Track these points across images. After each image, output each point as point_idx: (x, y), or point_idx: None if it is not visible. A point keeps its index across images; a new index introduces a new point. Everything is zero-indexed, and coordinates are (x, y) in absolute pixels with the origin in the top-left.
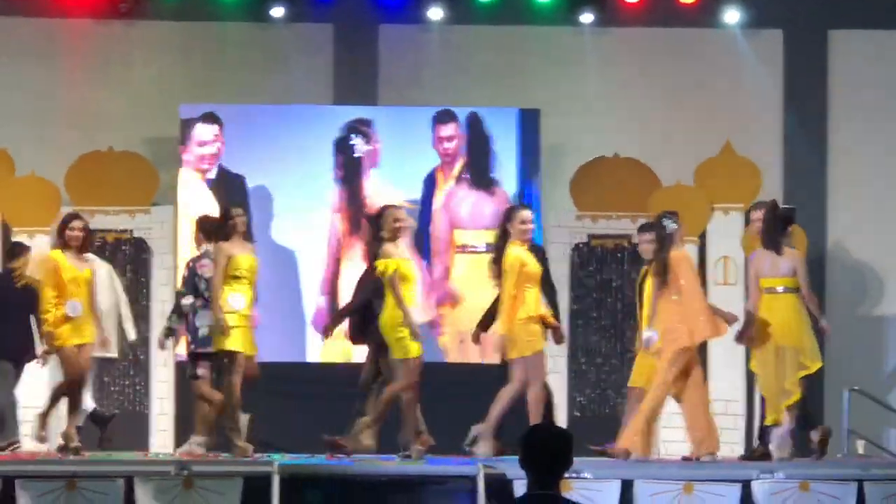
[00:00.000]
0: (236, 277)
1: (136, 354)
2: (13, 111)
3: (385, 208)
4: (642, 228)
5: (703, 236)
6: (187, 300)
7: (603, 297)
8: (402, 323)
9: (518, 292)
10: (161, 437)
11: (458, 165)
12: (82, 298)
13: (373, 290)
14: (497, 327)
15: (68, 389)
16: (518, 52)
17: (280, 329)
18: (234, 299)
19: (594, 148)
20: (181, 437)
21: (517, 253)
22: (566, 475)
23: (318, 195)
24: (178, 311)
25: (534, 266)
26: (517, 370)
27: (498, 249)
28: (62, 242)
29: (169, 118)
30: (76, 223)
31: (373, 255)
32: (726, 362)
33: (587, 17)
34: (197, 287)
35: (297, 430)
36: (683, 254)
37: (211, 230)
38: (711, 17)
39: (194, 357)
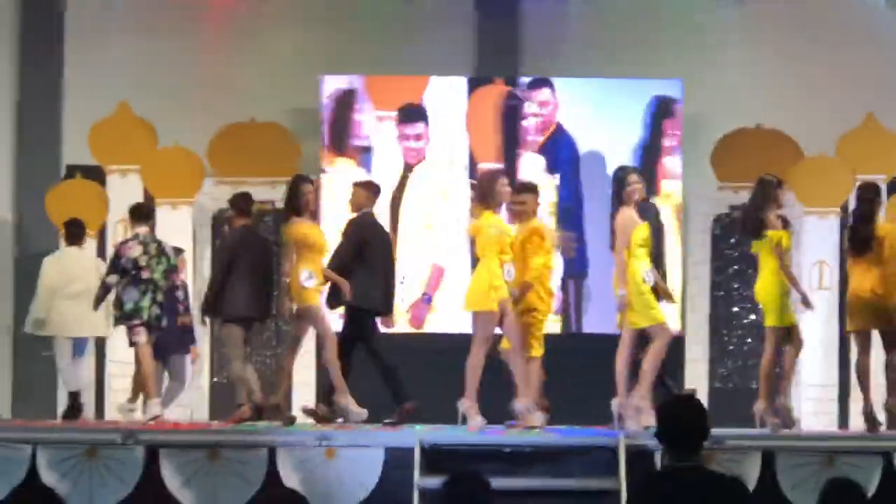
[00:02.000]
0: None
1: (279, 324)
2: (156, 84)
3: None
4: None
5: (845, 207)
6: (111, 279)
7: (744, 269)
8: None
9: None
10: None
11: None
12: (318, 262)
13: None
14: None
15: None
16: (658, 23)
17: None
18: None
19: (735, 118)
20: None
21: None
22: (707, 446)
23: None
24: (103, 288)
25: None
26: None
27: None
28: (295, 207)
29: (309, 89)
30: (307, 187)
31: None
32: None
33: None
34: (123, 267)
35: (436, 400)
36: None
37: (141, 216)
38: None
39: (129, 329)
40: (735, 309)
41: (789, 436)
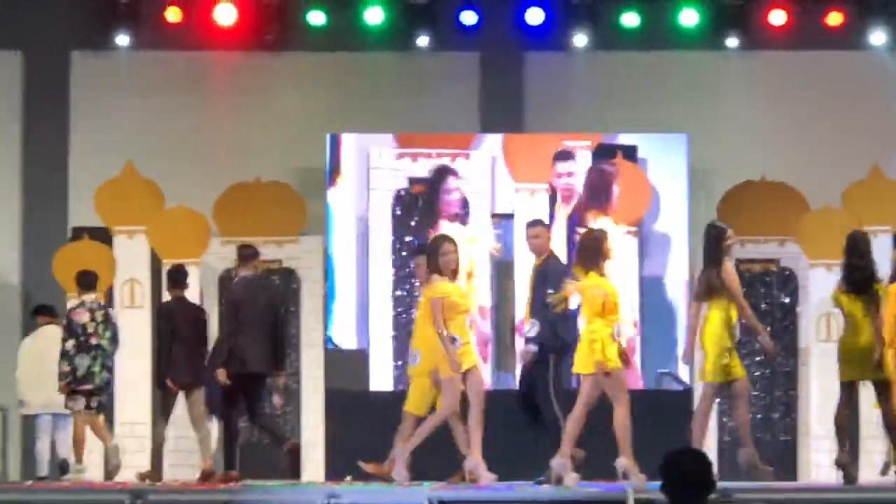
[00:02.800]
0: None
1: (288, 384)
2: (161, 143)
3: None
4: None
5: None
6: (69, 345)
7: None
8: None
9: None
10: (312, 467)
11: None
12: (462, 323)
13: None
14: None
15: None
16: (663, 77)
17: None
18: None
19: (741, 171)
20: (332, 465)
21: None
22: (715, 499)
23: None
24: (62, 354)
25: None
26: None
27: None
28: (438, 267)
29: (316, 148)
30: (449, 246)
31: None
32: None
33: (732, 41)
34: (75, 332)
35: (448, 457)
36: None
37: (87, 284)
38: (857, 38)
39: (73, 393)
40: (744, 362)
41: (798, 488)
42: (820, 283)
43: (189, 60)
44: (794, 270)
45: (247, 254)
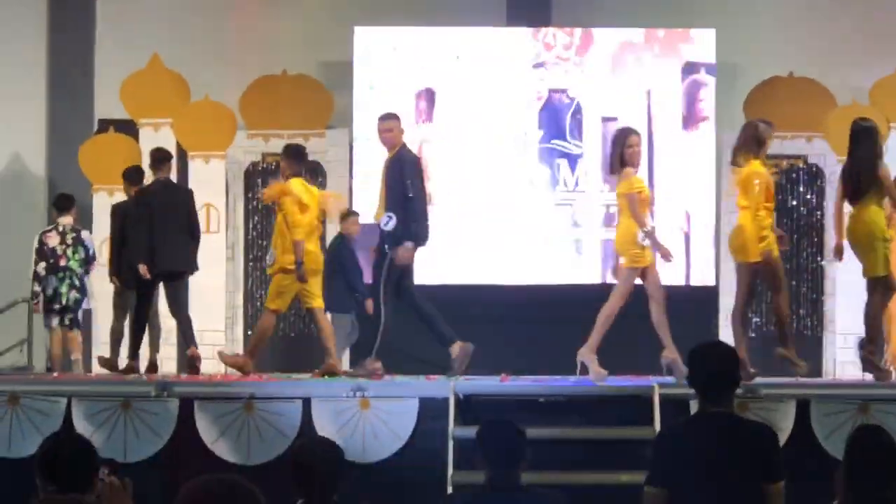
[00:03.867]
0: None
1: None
2: (187, 35)
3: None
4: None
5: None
6: (39, 266)
7: (778, 217)
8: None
9: None
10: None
11: None
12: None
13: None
14: None
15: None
16: None
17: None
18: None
19: (769, 67)
20: (356, 360)
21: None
22: (741, 395)
23: None
24: (34, 275)
25: None
26: None
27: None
28: (624, 160)
29: (343, 41)
30: (634, 138)
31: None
32: None
33: None
34: (45, 254)
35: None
36: None
37: (62, 207)
38: None
39: (47, 312)
40: None
41: (823, 384)
42: None
43: None
44: (820, 166)
45: (161, 157)
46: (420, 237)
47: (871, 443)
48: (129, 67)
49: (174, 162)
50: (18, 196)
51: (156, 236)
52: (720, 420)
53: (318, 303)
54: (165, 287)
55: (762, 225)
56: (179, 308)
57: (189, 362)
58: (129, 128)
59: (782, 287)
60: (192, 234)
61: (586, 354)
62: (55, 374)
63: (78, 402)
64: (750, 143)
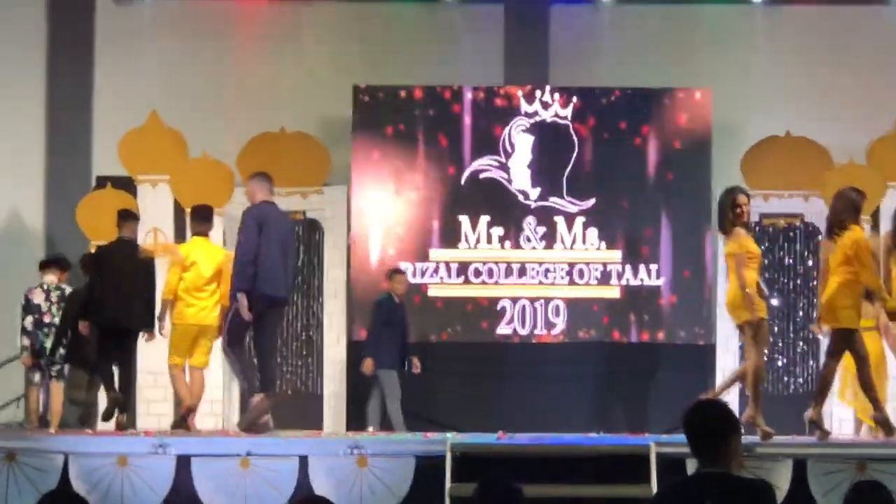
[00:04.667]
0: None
1: (309, 335)
2: (186, 92)
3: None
4: None
5: (876, 214)
6: (26, 321)
7: (775, 276)
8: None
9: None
10: (333, 417)
11: None
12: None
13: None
14: None
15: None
16: (688, 31)
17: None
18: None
19: (765, 126)
20: (353, 417)
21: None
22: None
23: None
24: (22, 330)
25: None
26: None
27: None
28: (733, 218)
29: (341, 98)
30: (743, 198)
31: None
32: None
33: None
34: (32, 310)
35: (470, 408)
36: None
37: (47, 266)
38: None
39: (38, 366)
40: (767, 317)
41: (820, 443)
42: None
43: (214, 9)
44: (817, 225)
45: (124, 215)
46: (242, 288)
47: (872, 499)
48: (127, 124)
49: (170, 218)
50: (17, 252)
51: (109, 293)
52: (716, 480)
53: (195, 361)
54: (118, 342)
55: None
56: (129, 363)
57: (116, 403)
58: (127, 184)
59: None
60: (147, 295)
61: (754, 416)
62: (52, 431)
63: (74, 459)
64: (848, 209)
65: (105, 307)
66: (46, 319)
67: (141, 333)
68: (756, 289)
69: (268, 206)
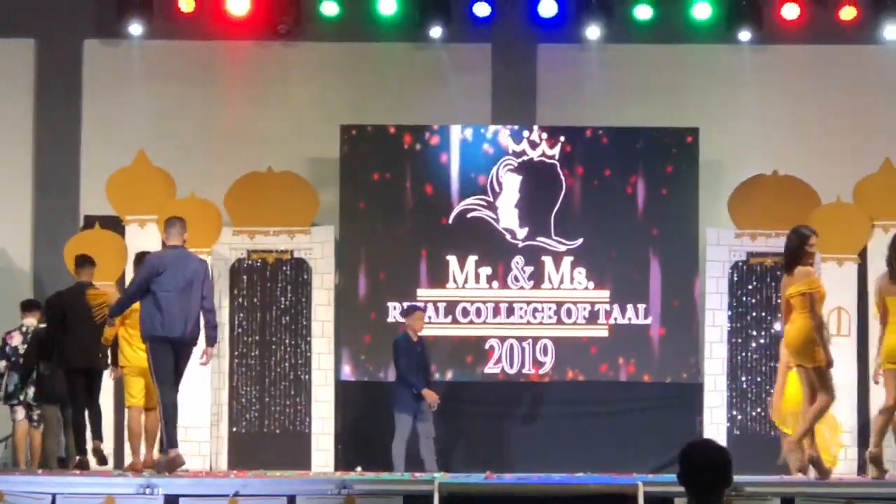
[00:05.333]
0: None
1: (298, 374)
2: (174, 133)
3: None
4: None
5: (863, 253)
6: (1, 364)
7: (763, 315)
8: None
9: None
10: (322, 456)
11: None
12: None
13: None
14: None
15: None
16: (676, 70)
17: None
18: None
19: (753, 165)
20: (342, 456)
21: None
22: (726, 493)
23: None
24: None
25: None
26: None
27: None
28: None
29: (329, 138)
30: (814, 238)
31: None
32: None
33: (745, 35)
34: (7, 354)
35: (458, 447)
36: None
37: (27, 309)
38: (871, 33)
39: (10, 408)
40: (754, 356)
41: (808, 482)
42: (832, 278)
43: (201, 50)
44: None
45: (81, 261)
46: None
47: None
48: (115, 164)
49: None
50: (4, 292)
51: (67, 334)
52: None
53: (129, 401)
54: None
55: None
56: (93, 401)
57: (95, 455)
58: (115, 224)
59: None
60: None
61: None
62: (39, 472)
63: (62, 500)
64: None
65: (67, 350)
66: (22, 362)
67: (107, 372)
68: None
69: (170, 251)
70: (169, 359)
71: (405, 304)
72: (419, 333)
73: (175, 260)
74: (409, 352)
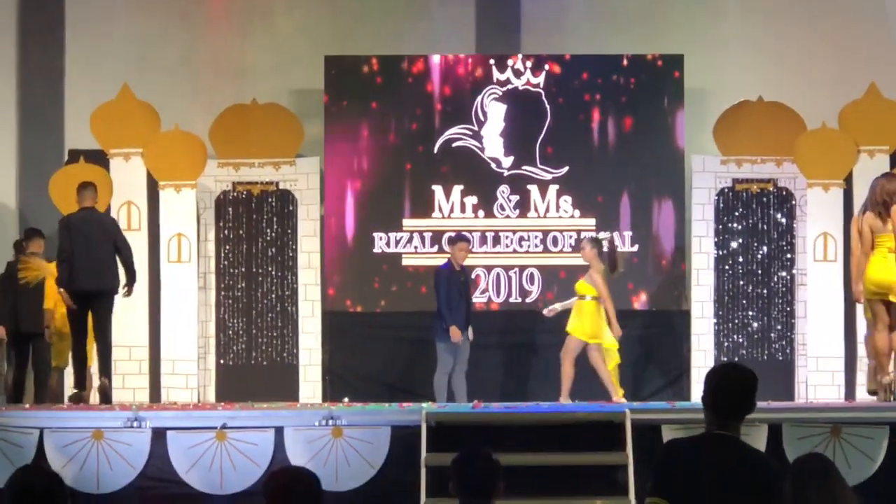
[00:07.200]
0: None
1: (285, 306)
2: (157, 65)
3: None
4: None
5: (849, 179)
6: None
7: (749, 242)
8: None
9: None
10: (309, 388)
11: None
12: None
13: None
14: None
15: None
16: None
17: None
18: None
19: (737, 92)
20: (329, 387)
21: None
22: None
23: None
24: None
25: None
26: None
27: None
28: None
29: (313, 69)
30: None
31: None
32: None
33: None
34: None
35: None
36: None
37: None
38: None
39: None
40: (740, 282)
41: (795, 408)
42: (817, 203)
43: None
44: (791, 190)
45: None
46: (61, 285)
47: (814, 468)
48: (99, 98)
49: (143, 191)
50: None
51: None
52: (729, 445)
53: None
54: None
55: None
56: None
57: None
58: (99, 158)
59: None
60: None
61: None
62: (27, 406)
63: (50, 434)
64: None
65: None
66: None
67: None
68: None
69: (80, 213)
70: (82, 311)
71: (452, 233)
72: (462, 264)
73: (84, 219)
74: (450, 280)
